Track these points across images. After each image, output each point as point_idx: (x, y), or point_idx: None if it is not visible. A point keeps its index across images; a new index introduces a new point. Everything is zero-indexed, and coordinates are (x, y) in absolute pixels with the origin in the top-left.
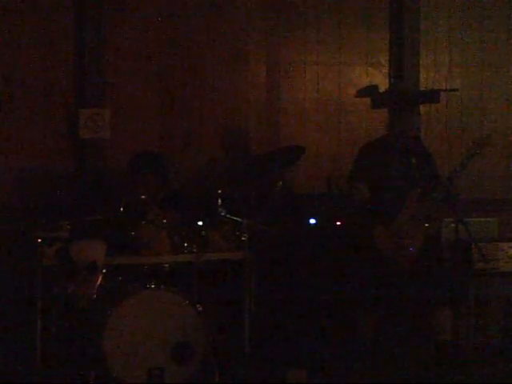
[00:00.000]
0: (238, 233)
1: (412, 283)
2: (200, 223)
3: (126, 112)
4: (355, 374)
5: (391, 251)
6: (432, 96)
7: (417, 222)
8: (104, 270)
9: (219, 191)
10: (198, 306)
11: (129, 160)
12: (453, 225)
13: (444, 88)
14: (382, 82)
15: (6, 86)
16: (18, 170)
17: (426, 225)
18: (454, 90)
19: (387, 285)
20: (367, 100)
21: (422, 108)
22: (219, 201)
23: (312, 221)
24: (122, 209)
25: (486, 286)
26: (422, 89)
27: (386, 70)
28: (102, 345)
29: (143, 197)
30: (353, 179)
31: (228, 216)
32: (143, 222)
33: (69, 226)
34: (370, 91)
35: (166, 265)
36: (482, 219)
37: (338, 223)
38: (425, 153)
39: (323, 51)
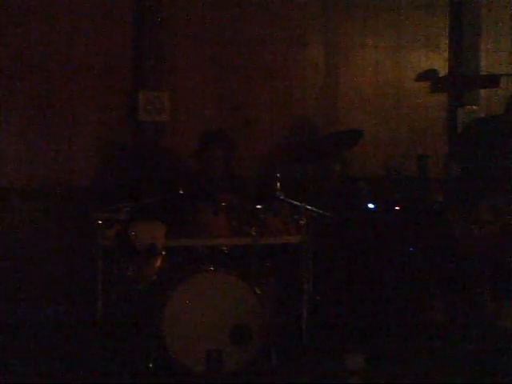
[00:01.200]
0: (296, 216)
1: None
2: (258, 206)
3: (185, 95)
4: (413, 362)
5: (465, 237)
6: (492, 80)
7: (498, 213)
8: (163, 252)
9: (278, 174)
10: (256, 288)
11: (199, 138)
12: None
13: (505, 72)
14: (442, 66)
15: (64, 70)
16: (78, 152)
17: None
18: None
19: (458, 270)
20: (426, 84)
21: (483, 93)
22: (278, 184)
23: (370, 205)
24: (181, 191)
25: None
26: (482, 73)
27: (445, 54)
28: (160, 327)
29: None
30: (453, 157)
31: (286, 199)
32: (202, 205)
33: (128, 208)
34: (429, 75)
35: (225, 247)
36: None
37: (397, 208)
38: None
39: (382, 35)
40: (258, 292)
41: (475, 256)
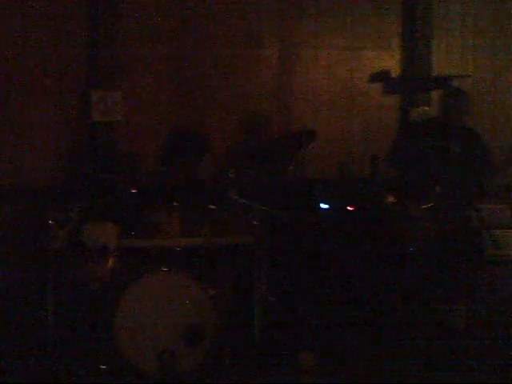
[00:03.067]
0: (249, 216)
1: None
2: (211, 207)
3: (138, 94)
4: (365, 359)
5: (412, 238)
6: (444, 81)
7: (446, 210)
8: (116, 253)
9: (230, 174)
10: (209, 289)
11: (170, 137)
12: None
13: (456, 73)
14: (394, 68)
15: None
16: (30, 151)
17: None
18: (466, 75)
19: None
20: (379, 85)
21: (435, 94)
22: (231, 184)
23: (323, 206)
24: (133, 191)
25: None
26: (433, 74)
27: (398, 55)
28: (113, 328)
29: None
30: (389, 160)
31: (239, 200)
32: (155, 205)
33: (80, 208)
34: (381, 76)
35: (178, 248)
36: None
37: (350, 208)
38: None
39: (335, 35)
40: (211, 292)
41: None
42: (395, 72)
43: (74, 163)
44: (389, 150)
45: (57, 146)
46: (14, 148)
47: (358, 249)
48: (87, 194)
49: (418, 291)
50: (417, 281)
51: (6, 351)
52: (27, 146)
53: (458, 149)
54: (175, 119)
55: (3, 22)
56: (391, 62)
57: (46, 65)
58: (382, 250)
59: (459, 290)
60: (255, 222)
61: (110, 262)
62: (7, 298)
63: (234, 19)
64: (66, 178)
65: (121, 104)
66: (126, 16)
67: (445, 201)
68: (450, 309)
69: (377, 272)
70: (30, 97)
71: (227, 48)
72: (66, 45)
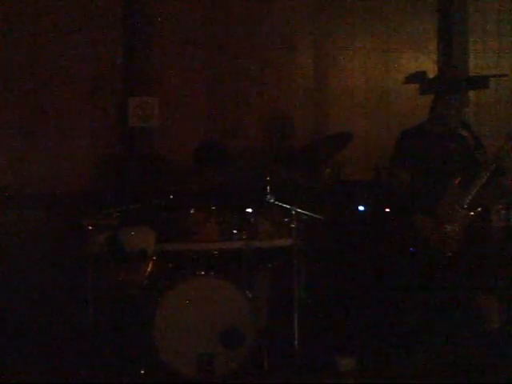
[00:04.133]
0: (287, 220)
1: (456, 271)
2: (249, 210)
3: (174, 101)
4: (405, 363)
5: (433, 239)
6: (481, 82)
7: (459, 208)
8: (154, 258)
9: (268, 178)
10: (247, 292)
11: (195, 149)
12: (503, 211)
13: (493, 74)
14: (431, 68)
15: (55, 76)
16: (68, 157)
17: (472, 213)
18: (503, 75)
19: (431, 273)
20: (416, 86)
21: (472, 94)
22: (268, 188)
23: (361, 208)
24: (171, 196)
25: None
26: (470, 75)
27: (434, 56)
28: (152, 332)
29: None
30: (392, 166)
31: (277, 203)
32: (192, 210)
33: (118, 214)
34: (418, 77)
35: (216, 252)
36: None
37: (387, 210)
38: (472, 138)
39: (371, 38)
40: (249, 296)
41: (446, 256)
42: (432, 73)
43: (111, 169)
44: (392, 155)
45: (95, 151)
46: (53, 154)
47: (395, 250)
48: (125, 200)
49: (456, 291)
50: (454, 282)
51: (46, 356)
52: (66, 152)
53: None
54: (211, 125)
55: (42, 32)
56: (427, 63)
57: (84, 72)
58: (418, 251)
59: (495, 290)
60: (293, 225)
61: (148, 267)
62: (47, 303)
63: (267, 24)
64: (104, 184)
65: (157, 110)
66: (161, 23)
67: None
68: (485, 308)
69: (414, 274)
70: (67, 104)
71: (261, 53)
72: (103, 52)
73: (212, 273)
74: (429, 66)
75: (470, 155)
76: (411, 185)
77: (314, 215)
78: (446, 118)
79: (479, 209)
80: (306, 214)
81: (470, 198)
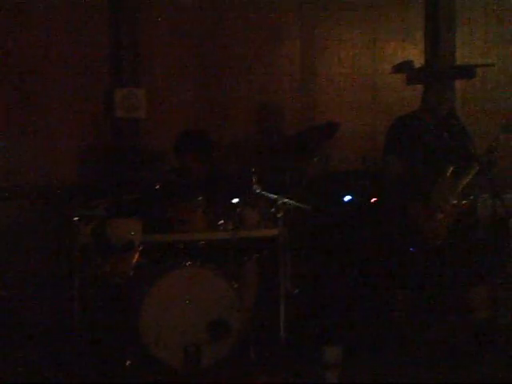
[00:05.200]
0: (273, 210)
1: (446, 260)
2: (235, 200)
3: (162, 91)
4: (391, 353)
5: (426, 228)
6: (467, 71)
7: (451, 198)
8: (140, 248)
9: (253, 168)
10: (233, 283)
11: (175, 138)
12: (490, 201)
13: (480, 63)
14: (418, 58)
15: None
16: (54, 149)
17: (464, 201)
18: (489, 64)
19: (422, 261)
20: (402, 76)
21: (458, 84)
22: (254, 178)
23: (347, 198)
24: (157, 187)
25: None
26: (457, 64)
27: (421, 46)
28: (138, 322)
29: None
30: (385, 154)
31: (263, 193)
32: (179, 200)
33: (105, 205)
34: (404, 67)
35: (202, 242)
36: None
37: (374, 200)
38: (460, 128)
39: (358, 27)
40: (236, 286)
41: (437, 246)
42: (419, 63)
43: (98, 160)
44: (386, 143)
45: (81, 143)
46: (39, 146)
47: (382, 241)
48: (111, 191)
49: (445, 281)
50: (442, 272)
51: (30, 347)
52: (52, 143)
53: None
54: (199, 115)
55: (26, 23)
56: (415, 52)
57: (70, 64)
58: (406, 241)
59: (484, 280)
60: (279, 215)
61: (135, 258)
62: (33, 293)
63: (255, 14)
64: (91, 175)
65: (144, 101)
66: (147, 14)
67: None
68: (474, 298)
69: (402, 264)
70: (54, 96)
71: (249, 43)
72: (89, 43)
73: (198, 263)
74: (416, 55)
75: (462, 145)
76: (404, 173)
77: (301, 205)
78: (437, 108)
79: (470, 197)
80: (292, 204)
81: (461, 187)
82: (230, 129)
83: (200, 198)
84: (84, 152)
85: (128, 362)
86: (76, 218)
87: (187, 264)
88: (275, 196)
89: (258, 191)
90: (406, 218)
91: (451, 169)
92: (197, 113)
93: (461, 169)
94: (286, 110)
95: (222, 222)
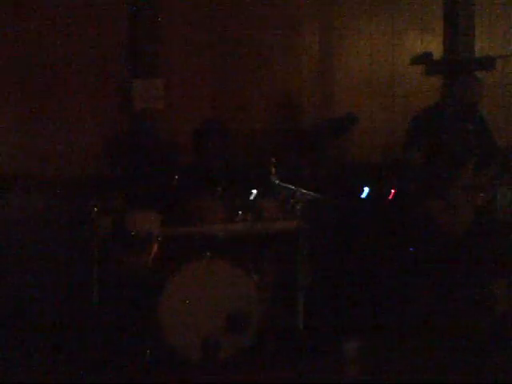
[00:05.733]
0: (291, 201)
1: (466, 253)
2: (254, 192)
3: (180, 81)
4: (409, 345)
5: (445, 221)
6: (487, 62)
7: (472, 191)
8: (159, 240)
9: (273, 160)
10: (252, 275)
11: (194, 129)
12: (510, 194)
13: (499, 54)
14: (436, 49)
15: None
16: (74, 141)
17: (481, 194)
18: (509, 55)
19: (441, 255)
20: (421, 67)
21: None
22: (273, 169)
23: (366, 190)
24: (176, 179)
25: None
26: (476, 55)
27: (440, 37)
28: (157, 314)
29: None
30: (407, 146)
31: (282, 184)
32: (198, 192)
33: (124, 197)
34: (424, 58)
35: (221, 234)
36: None
37: (393, 191)
38: (482, 120)
39: (377, 18)
40: (254, 279)
41: (457, 239)
42: (438, 54)
43: (117, 152)
44: (407, 136)
45: (100, 134)
46: (59, 138)
47: (398, 233)
48: (130, 182)
49: (464, 275)
50: (462, 265)
51: (51, 338)
52: (72, 135)
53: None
54: (217, 106)
55: (45, 14)
56: (434, 44)
57: (88, 54)
58: (422, 234)
59: (497, 271)
60: (298, 207)
61: (154, 250)
62: (53, 286)
63: (274, 5)
64: (110, 167)
65: (162, 92)
66: (166, 4)
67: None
68: (494, 292)
69: (419, 256)
70: (72, 87)
71: (267, 34)
72: (108, 34)
73: (217, 255)
74: (435, 46)
75: (485, 138)
76: (425, 166)
77: (320, 196)
78: (464, 99)
79: (491, 190)
80: (311, 196)
81: (482, 180)
82: (248, 120)
83: (219, 190)
84: (103, 143)
85: (147, 353)
86: (96, 210)
87: (206, 256)
88: (294, 187)
89: (276, 182)
90: (426, 210)
91: (473, 161)
92: (215, 103)
93: (482, 161)
94: (303, 101)
95: (240, 213)
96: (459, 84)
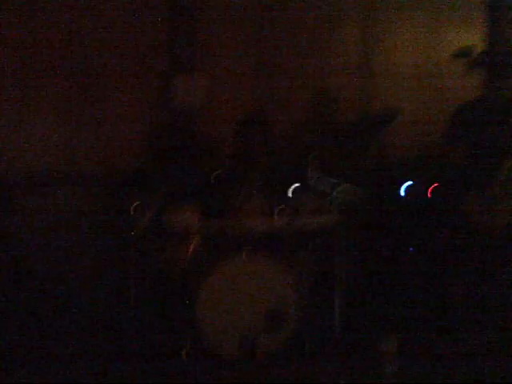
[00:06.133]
0: (332, 196)
1: (503, 254)
2: (294, 186)
3: (220, 78)
4: (444, 343)
5: (483, 219)
6: None
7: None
8: (197, 237)
9: (312, 155)
10: (290, 273)
11: (235, 124)
12: None
13: None
14: (478, 43)
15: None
16: (112, 137)
17: None
18: None
19: (478, 255)
20: (463, 62)
21: None
22: (313, 163)
23: (407, 184)
24: (216, 174)
25: None
26: None
27: (483, 31)
28: (195, 311)
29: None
30: (448, 142)
31: (322, 179)
32: (237, 187)
33: (162, 193)
34: (466, 52)
35: (259, 230)
36: None
37: (433, 187)
38: None
39: (417, 12)
40: (292, 276)
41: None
42: (480, 47)
43: (156, 148)
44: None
45: (139, 131)
46: (97, 134)
47: (438, 231)
48: (170, 178)
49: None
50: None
51: (88, 334)
52: (110, 132)
53: None
54: (257, 101)
55: (85, 11)
56: (476, 37)
57: (128, 52)
58: (463, 232)
59: None
60: (338, 202)
61: (192, 246)
62: (91, 282)
63: (313, 1)
64: (149, 163)
65: (203, 87)
66: (206, 1)
67: None
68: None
69: (458, 255)
70: (112, 84)
71: (306, 29)
72: (147, 31)
73: (255, 253)
74: (477, 40)
75: None
76: (466, 162)
77: (360, 191)
78: (500, 94)
79: None
80: (352, 190)
81: None
82: (288, 115)
83: (258, 184)
84: (142, 140)
85: (184, 352)
86: (134, 206)
87: (244, 253)
88: (334, 181)
89: (317, 177)
90: (464, 208)
91: None
92: (255, 99)
93: None
94: (343, 96)
95: (279, 208)
96: (496, 79)
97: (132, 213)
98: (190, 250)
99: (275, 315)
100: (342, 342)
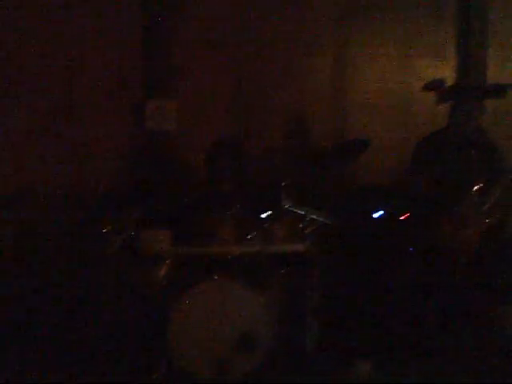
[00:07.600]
0: (301, 225)
1: (473, 276)
2: (264, 215)
3: (194, 102)
4: (420, 367)
5: (453, 244)
6: (498, 91)
7: (478, 215)
8: (169, 260)
9: (283, 183)
10: (261, 297)
11: (207, 148)
12: None
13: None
14: (449, 75)
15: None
16: (88, 158)
17: (491, 219)
18: None
19: (449, 277)
20: (433, 94)
21: (490, 103)
22: (284, 192)
23: (378, 213)
24: (188, 199)
25: None
26: (488, 83)
27: (452, 64)
28: (167, 334)
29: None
30: (410, 173)
31: (292, 208)
32: (208, 213)
33: (135, 216)
34: (436, 85)
35: (231, 256)
36: None
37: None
38: (489, 146)
39: (390, 44)
40: (263, 300)
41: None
42: (450, 81)
43: (129, 170)
44: (411, 162)
45: (113, 154)
46: (73, 155)
47: (411, 255)
48: (142, 202)
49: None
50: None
51: (58, 355)
52: (86, 153)
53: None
54: (230, 127)
55: (60, 37)
56: (446, 70)
57: (103, 75)
58: (434, 257)
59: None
60: (307, 231)
61: (164, 269)
62: (61, 303)
63: (288, 28)
64: (122, 186)
65: (176, 113)
66: (181, 25)
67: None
68: (503, 315)
69: (432, 277)
70: (89, 106)
71: (281, 57)
72: (122, 55)
73: (227, 277)
74: (447, 73)
75: (489, 163)
76: (429, 192)
77: (330, 220)
78: (463, 126)
79: (498, 215)
80: (320, 220)
81: (488, 205)
82: (260, 141)
83: (230, 212)
84: (117, 162)
85: (155, 375)
86: (107, 228)
87: (216, 277)
88: (304, 211)
89: (287, 206)
90: (433, 233)
91: (478, 186)
92: (228, 125)
93: (488, 186)
94: (316, 124)
95: (250, 236)
96: (459, 110)
97: (106, 234)
98: (162, 273)
99: (247, 337)
100: (313, 365)
